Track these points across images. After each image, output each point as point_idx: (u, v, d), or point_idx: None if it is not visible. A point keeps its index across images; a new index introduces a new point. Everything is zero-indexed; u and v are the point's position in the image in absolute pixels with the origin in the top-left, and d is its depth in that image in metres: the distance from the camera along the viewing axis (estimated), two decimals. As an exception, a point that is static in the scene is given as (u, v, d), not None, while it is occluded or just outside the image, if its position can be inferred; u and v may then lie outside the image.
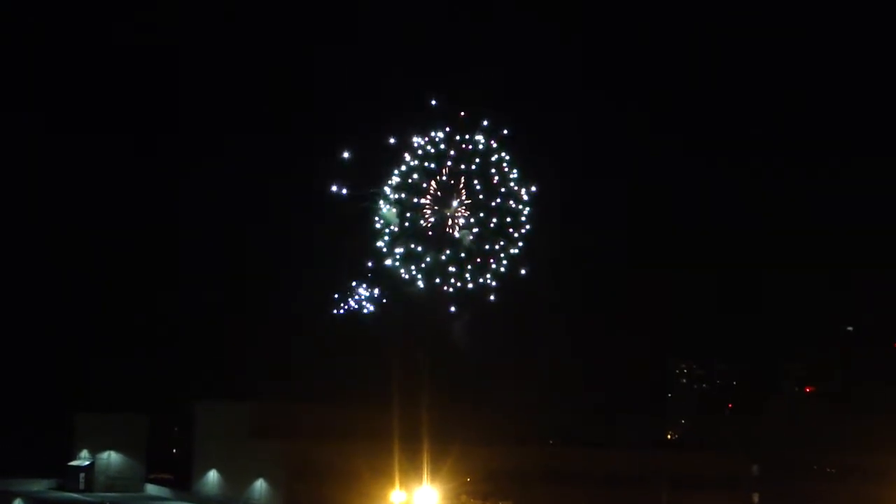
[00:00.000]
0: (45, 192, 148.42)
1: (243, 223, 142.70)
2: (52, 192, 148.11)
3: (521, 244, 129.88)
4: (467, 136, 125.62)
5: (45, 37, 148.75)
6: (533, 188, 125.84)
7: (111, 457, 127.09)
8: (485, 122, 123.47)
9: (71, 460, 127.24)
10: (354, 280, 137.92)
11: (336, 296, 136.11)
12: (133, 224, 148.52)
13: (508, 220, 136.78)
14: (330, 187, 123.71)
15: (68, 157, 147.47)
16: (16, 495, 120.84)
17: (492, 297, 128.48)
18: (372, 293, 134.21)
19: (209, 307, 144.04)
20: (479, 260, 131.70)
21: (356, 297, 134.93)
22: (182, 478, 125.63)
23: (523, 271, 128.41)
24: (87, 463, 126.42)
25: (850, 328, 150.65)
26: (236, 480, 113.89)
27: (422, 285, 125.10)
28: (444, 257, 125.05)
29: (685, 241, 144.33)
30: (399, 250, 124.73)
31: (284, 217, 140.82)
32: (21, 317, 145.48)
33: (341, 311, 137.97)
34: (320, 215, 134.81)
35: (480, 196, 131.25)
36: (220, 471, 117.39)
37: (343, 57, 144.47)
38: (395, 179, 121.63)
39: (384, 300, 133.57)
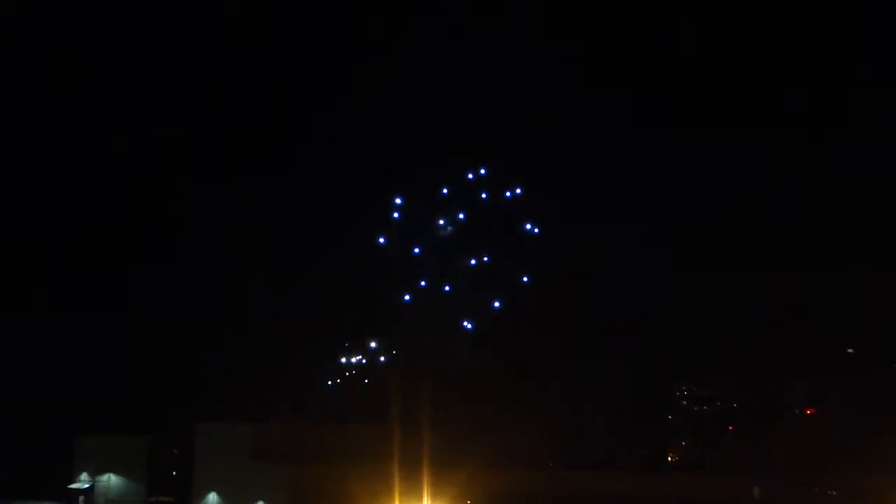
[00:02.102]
0: (44, 207, 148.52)
1: (252, 243, 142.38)
2: (51, 207, 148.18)
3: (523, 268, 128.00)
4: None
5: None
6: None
7: (111, 479, 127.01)
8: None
9: (71, 483, 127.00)
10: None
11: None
12: (136, 237, 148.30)
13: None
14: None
15: (77, 168, 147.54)
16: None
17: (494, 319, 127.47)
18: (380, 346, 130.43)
19: (211, 327, 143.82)
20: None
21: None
22: (182, 500, 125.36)
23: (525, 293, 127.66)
24: (87, 485, 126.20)
25: (850, 350, 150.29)
26: (236, 502, 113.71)
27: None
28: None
29: (684, 261, 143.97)
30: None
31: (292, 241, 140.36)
32: (20, 338, 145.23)
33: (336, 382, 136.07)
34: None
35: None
36: (219, 493, 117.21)
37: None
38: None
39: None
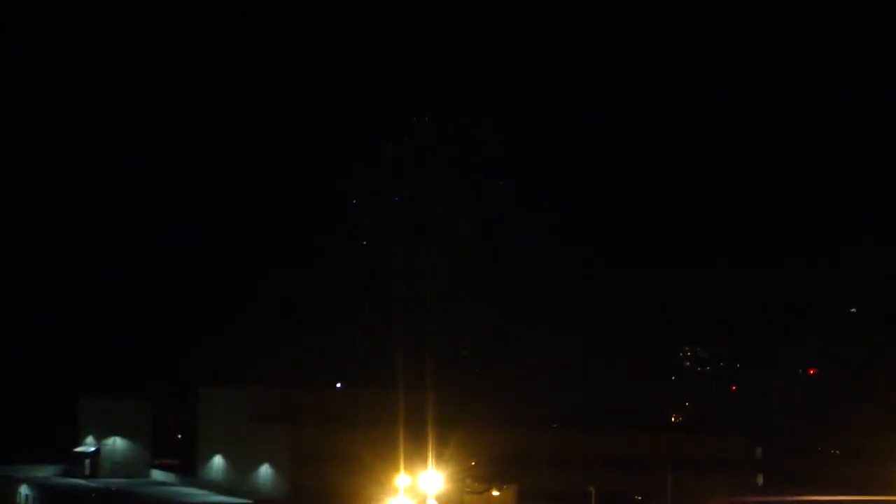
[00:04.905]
0: (44, 177, 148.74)
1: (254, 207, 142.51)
2: (52, 180, 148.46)
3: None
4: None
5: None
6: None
7: (116, 443, 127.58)
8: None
9: (76, 446, 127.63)
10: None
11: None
12: (137, 205, 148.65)
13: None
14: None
15: (71, 149, 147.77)
16: (21, 481, 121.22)
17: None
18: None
19: (215, 291, 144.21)
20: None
21: None
22: (187, 463, 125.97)
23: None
24: (92, 449, 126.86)
25: (853, 309, 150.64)
26: (241, 466, 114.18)
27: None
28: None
29: (687, 225, 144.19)
30: None
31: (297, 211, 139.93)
32: (24, 302, 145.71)
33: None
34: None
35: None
36: (225, 456, 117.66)
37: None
38: None
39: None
